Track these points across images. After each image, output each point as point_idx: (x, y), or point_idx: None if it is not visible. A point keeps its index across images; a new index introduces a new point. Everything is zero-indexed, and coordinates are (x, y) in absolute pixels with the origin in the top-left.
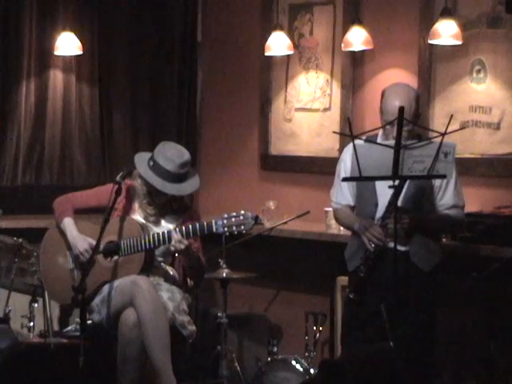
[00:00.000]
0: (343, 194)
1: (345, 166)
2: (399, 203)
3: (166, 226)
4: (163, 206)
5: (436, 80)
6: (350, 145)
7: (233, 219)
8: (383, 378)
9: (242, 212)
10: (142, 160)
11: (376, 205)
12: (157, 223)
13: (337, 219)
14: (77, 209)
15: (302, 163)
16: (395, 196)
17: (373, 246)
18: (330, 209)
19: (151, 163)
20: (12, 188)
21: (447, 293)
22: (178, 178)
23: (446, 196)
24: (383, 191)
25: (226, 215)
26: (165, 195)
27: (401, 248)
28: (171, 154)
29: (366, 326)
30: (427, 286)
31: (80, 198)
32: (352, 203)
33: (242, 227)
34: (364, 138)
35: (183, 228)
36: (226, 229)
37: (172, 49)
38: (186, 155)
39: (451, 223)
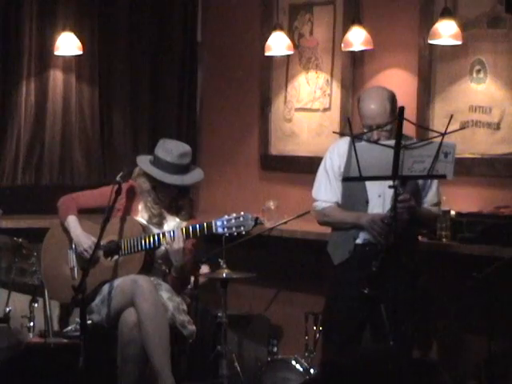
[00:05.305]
0: (333, 191)
1: (332, 165)
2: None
3: (168, 228)
4: (169, 205)
5: (436, 80)
6: (337, 143)
7: (233, 220)
8: (383, 378)
9: (242, 213)
10: (143, 159)
11: (367, 202)
12: (160, 225)
13: (326, 217)
14: (81, 208)
15: (302, 163)
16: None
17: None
18: None
19: (152, 159)
20: (12, 188)
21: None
22: (179, 169)
23: (430, 194)
24: (372, 188)
25: (226, 216)
26: (168, 188)
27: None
28: (170, 146)
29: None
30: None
31: (84, 197)
32: (340, 201)
33: (242, 228)
34: (365, 137)
35: (183, 228)
36: (225, 229)
37: (172, 49)
38: (185, 147)
39: (434, 219)
